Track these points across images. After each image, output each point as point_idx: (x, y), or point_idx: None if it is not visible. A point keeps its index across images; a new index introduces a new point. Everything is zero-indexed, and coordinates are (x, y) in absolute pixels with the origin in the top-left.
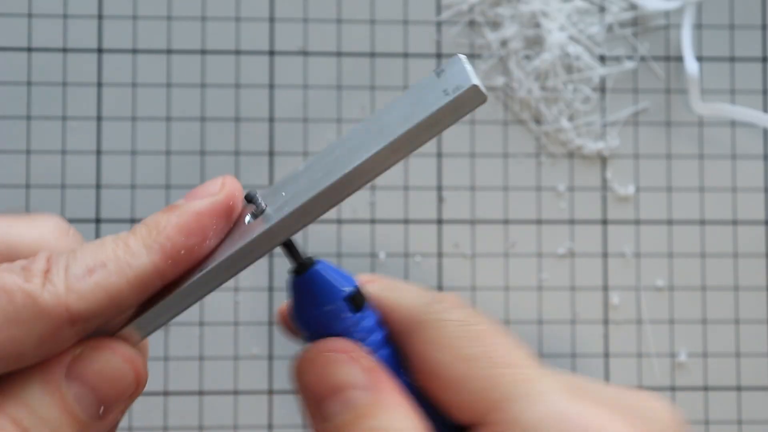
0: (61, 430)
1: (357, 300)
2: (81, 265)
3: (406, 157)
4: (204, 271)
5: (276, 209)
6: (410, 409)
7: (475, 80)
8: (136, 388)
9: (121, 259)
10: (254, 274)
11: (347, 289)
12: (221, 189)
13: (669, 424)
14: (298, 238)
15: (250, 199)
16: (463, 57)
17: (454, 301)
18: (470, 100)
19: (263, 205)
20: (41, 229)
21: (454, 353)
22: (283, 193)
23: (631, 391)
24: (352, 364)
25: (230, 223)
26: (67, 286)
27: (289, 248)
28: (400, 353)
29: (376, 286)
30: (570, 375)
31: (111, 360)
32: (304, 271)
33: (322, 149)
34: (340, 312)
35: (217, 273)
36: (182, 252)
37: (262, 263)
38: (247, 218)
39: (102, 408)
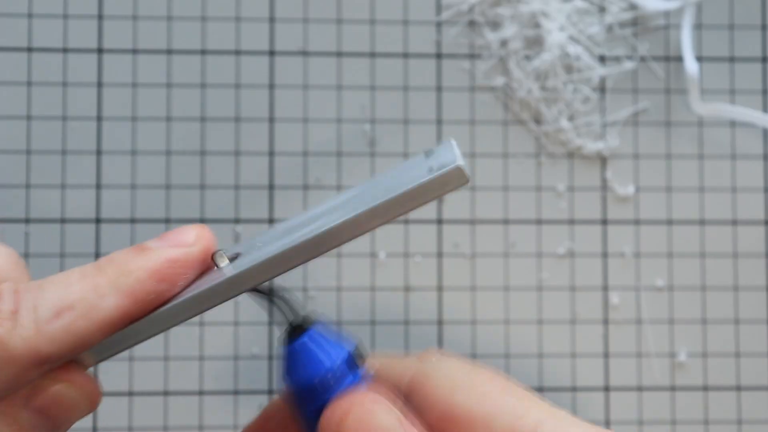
0: None
1: (360, 356)
2: (49, 306)
3: (382, 225)
4: (166, 308)
5: (246, 259)
6: None
7: (461, 161)
8: (89, 411)
9: (89, 301)
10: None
11: (351, 345)
12: (196, 241)
13: None
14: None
15: (216, 258)
16: (454, 142)
17: (444, 352)
18: (452, 179)
19: (235, 253)
20: None
21: (475, 392)
22: (259, 244)
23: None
24: (391, 412)
25: (201, 272)
26: (36, 329)
27: (286, 306)
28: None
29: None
30: None
31: (68, 391)
32: (304, 329)
33: (304, 212)
34: (348, 370)
35: (179, 311)
36: (151, 297)
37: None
38: (222, 263)
39: (56, 430)
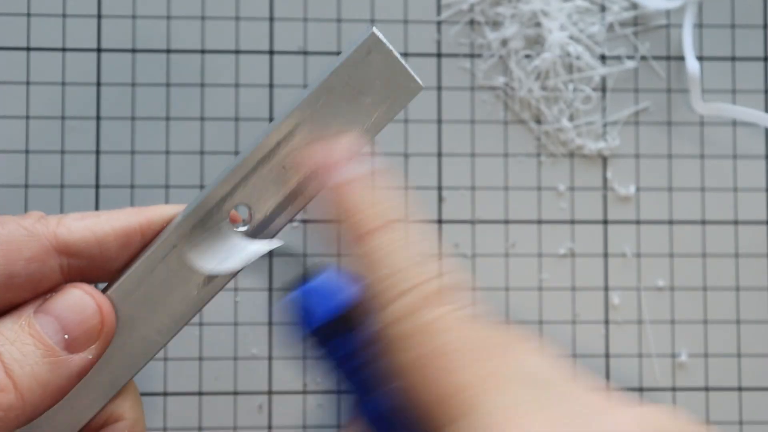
0: (29, 351)
1: (354, 314)
2: (75, 215)
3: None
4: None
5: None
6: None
7: (376, 30)
8: (101, 324)
9: (110, 213)
10: (254, 274)
11: (348, 299)
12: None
13: None
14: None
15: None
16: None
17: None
18: (368, 46)
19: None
20: None
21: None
22: None
23: None
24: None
25: None
26: (59, 222)
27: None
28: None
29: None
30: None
31: (73, 292)
32: (312, 276)
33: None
34: (337, 332)
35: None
36: (162, 222)
37: (262, 265)
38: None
39: (66, 335)
